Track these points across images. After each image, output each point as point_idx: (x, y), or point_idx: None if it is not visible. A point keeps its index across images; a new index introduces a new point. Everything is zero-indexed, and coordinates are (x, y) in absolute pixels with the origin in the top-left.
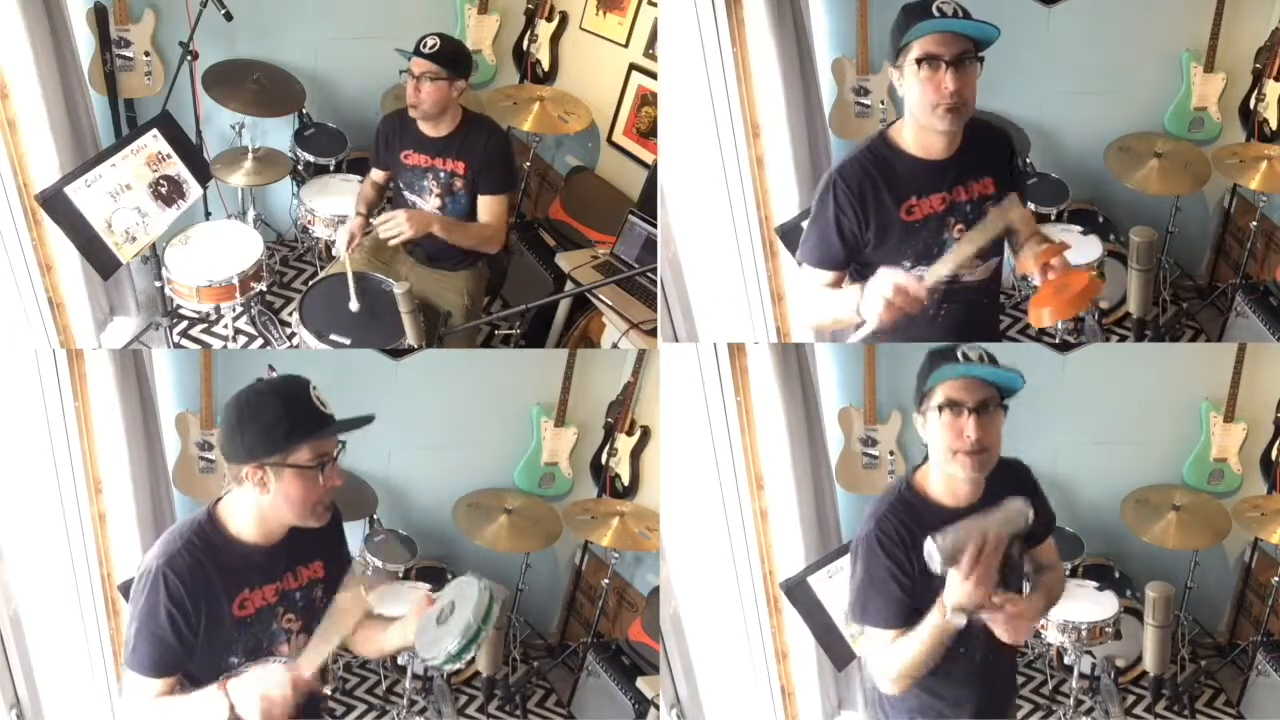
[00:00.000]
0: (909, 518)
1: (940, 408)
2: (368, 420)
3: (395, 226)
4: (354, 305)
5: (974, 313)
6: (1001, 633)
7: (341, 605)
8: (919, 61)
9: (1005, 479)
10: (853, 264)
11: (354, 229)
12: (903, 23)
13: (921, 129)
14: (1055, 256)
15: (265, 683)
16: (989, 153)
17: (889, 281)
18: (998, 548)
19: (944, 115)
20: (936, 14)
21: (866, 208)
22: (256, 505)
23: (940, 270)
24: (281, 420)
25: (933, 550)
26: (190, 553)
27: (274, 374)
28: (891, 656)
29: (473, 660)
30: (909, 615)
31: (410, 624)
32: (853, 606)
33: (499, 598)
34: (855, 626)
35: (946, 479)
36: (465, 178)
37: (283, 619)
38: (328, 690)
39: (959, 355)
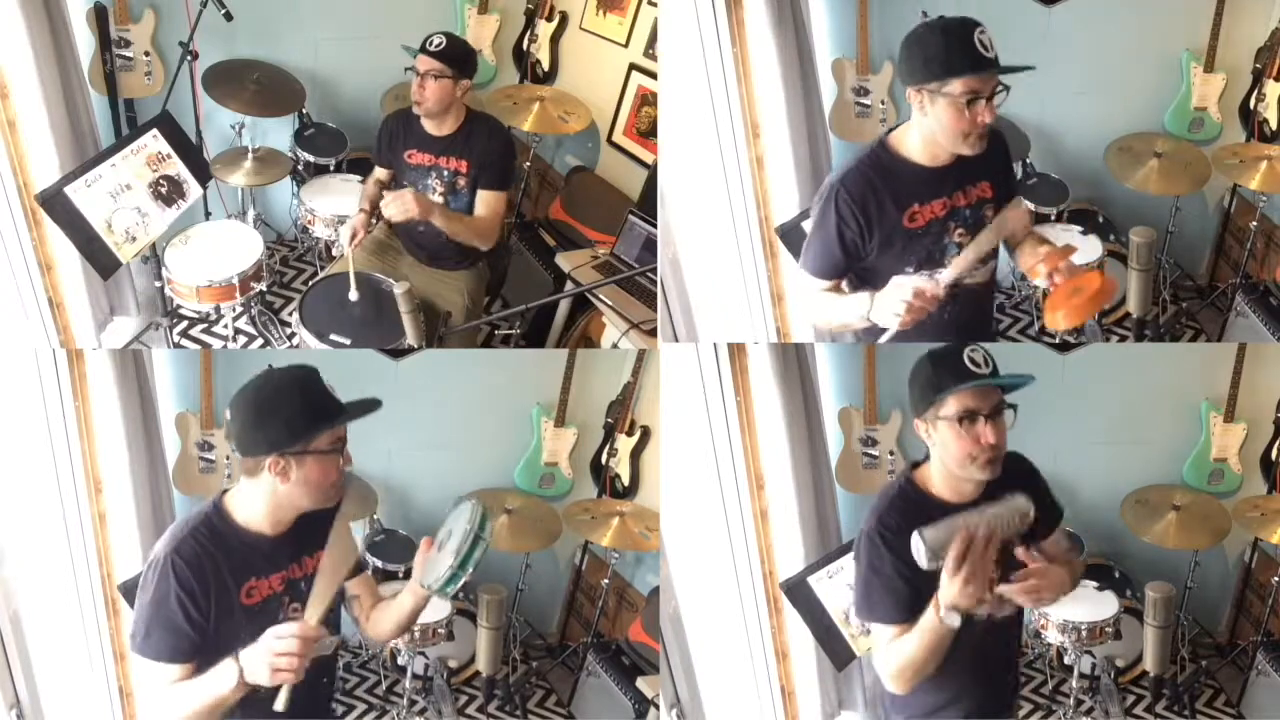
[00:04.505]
0: (911, 513)
1: (958, 419)
2: (377, 404)
3: (401, 204)
4: (353, 295)
5: (976, 312)
6: (1018, 596)
7: (333, 557)
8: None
9: (1007, 472)
10: (853, 271)
11: (357, 225)
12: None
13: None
14: (1062, 261)
15: (272, 639)
16: (986, 156)
17: (908, 287)
18: (989, 545)
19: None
20: (968, 363)
21: (870, 216)
22: (272, 494)
23: (952, 273)
24: (303, 410)
25: (919, 544)
26: (197, 540)
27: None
28: (893, 654)
29: (473, 569)
30: (914, 612)
31: (416, 577)
32: (857, 604)
33: (493, 515)
34: (857, 625)
35: (955, 479)
36: (468, 176)
37: (289, 608)
38: (330, 642)
39: (966, 361)
